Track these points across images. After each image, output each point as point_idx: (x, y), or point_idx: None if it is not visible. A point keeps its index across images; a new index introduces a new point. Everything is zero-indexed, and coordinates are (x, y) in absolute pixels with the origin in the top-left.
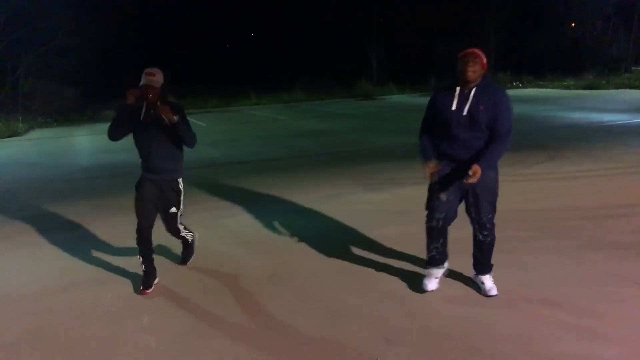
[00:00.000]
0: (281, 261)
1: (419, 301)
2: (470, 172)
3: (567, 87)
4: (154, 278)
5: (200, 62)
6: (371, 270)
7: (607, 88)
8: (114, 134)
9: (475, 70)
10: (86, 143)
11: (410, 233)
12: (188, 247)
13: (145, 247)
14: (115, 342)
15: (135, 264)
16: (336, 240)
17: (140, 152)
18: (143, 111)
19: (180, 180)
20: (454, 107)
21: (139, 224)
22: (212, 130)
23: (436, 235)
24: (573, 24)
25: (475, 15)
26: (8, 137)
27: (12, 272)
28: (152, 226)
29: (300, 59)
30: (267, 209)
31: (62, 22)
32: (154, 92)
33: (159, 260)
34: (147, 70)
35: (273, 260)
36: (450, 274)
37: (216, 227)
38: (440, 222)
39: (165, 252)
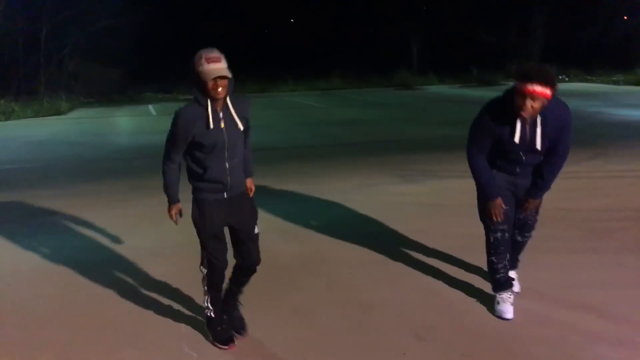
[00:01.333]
0: (312, 249)
1: (450, 297)
2: (523, 207)
3: (616, 82)
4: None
5: (239, 46)
6: (402, 264)
7: None
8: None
9: (536, 106)
10: (126, 124)
11: (444, 227)
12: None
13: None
14: (144, 321)
15: (164, 246)
16: (369, 231)
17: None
18: (210, 113)
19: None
20: (517, 140)
21: (216, 263)
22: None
23: (503, 248)
24: (625, 17)
25: (522, 5)
26: (51, 115)
27: (48, 246)
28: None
29: (339, 46)
30: (300, 196)
31: (106, 3)
32: (225, 86)
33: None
34: (208, 54)
35: (304, 248)
36: (484, 273)
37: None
38: (505, 233)
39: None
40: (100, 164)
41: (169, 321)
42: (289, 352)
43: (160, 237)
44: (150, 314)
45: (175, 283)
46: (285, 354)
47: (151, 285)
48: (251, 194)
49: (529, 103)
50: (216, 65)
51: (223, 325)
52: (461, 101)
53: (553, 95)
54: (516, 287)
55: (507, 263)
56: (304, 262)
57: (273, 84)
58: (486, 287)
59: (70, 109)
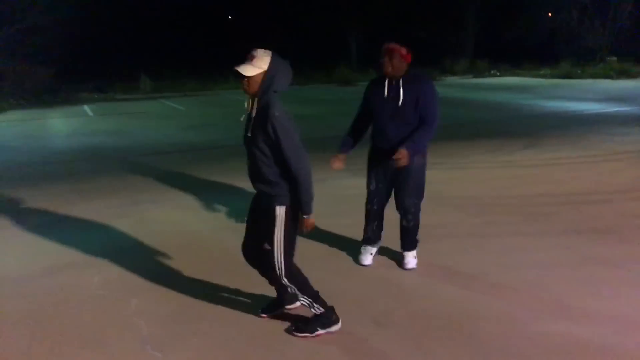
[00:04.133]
0: None
1: (403, 284)
2: (395, 157)
3: (544, 76)
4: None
5: (178, 44)
6: (355, 255)
7: (583, 77)
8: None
9: (393, 64)
10: (61, 125)
11: (393, 217)
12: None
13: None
14: (104, 325)
15: (116, 248)
16: (322, 224)
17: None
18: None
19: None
20: (385, 96)
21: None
22: (190, 114)
23: (372, 217)
24: (550, 14)
25: (455, 2)
26: None
27: None
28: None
29: (278, 42)
30: (250, 193)
31: None
32: (246, 83)
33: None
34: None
35: None
36: (431, 259)
37: (201, 211)
38: (375, 206)
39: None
40: (37, 167)
41: (128, 323)
42: (252, 346)
43: (111, 240)
44: (108, 317)
45: (130, 284)
46: (250, 348)
47: (108, 289)
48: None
49: (386, 61)
50: (242, 64)
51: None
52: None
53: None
54: (410, 264)
55: (374, 227)
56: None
57: (214, 82)
58: (435, 274)
59: (0, 112)
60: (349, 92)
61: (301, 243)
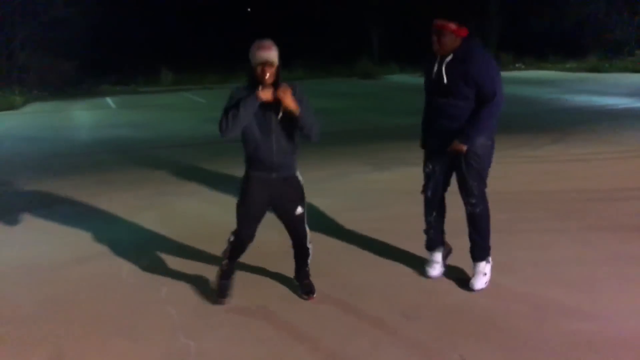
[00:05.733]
0: None
1: (431, 279)
2: (449, 150)
3: (570, 70)
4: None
5: (199, 36)
6: (381, 248)
7: (610, 71)
8: (233, 130)
9: (444, 42)
10: (84, 117)
11: (418, 212)
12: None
13: (235, 259)
14: (135, 311)
15: (145, 237)
16: (348, 219)
17: (252, 146)
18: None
19: (298, 175)
20: (433, 76)
21: (240, 233)
22: (211, 106)
23: (429, 206)
24: (576, 6)
25: None
26: (4, 110)
27: (24, 244)
28: (254, 236)
29: (299, 35)
30: None
31: None
32: (272, 72)
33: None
34: (259, 43)
35: (286, 236)
36: (459, 255)
37: (226, 203)
38: (430, 192)
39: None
40: (64, 159)
41: (160, 311)
42: (283, 337)
43: (138, 230)
44: (140, 305)
45: (161, 274)
46: (280, 338)
47: (137, 278)
48: None
49: (435, 39)
50: (264, 52)
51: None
52: (422, 90)
53: (467, 35)
54: (478, 285)
55: (432, 219)
56: (287, 250)
57: (235, 75)
58: (463, 270)
59: (24, 103)
60: (371, 86)
61: (327, 237)
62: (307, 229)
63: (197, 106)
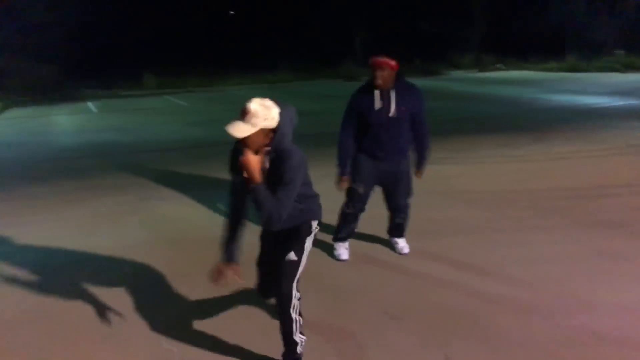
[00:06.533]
0: None
1: (417, 279)
2: (418, 177)
3: (550, 70)
4: None
5: (181, 40)
6: (367, 249)
7: (590, 71)
8: (284, 211)
9: (384, 77)
10: (65, 122)
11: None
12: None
13: None
14: (118, 317)
15: (129, 244)
16: (331, 220)
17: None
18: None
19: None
20: (377, 108)
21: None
22: (194, 110)
23: (350, 220)
24: (556, 6)
25: None
26: None
27: (5, 252)
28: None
29: (283, 38)
30: None
31: None
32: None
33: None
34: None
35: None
36: (444, 254)
37: (207, 208)
38: (355, 210)
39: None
40: (44, 164)
41: (143, 318)
42: (268, 340)
43: (120, 236)
44: (122, 312)
45: (143, 280)
46: (265, 341)
47: (120, 284)
48: None
49: (377, 74)
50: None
51: None
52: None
53: (401, 72)
54: (405, 249)
55: (350, 230)
56: None
57: (219, 78)
58: (449, 269)
59: (4, 109)
60: (354, 87)
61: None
62: (295, 293)
63: (180, 110)
